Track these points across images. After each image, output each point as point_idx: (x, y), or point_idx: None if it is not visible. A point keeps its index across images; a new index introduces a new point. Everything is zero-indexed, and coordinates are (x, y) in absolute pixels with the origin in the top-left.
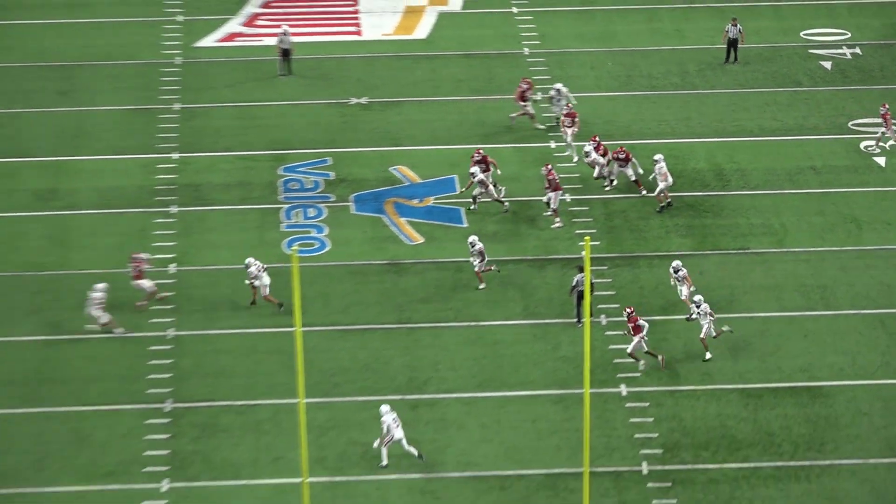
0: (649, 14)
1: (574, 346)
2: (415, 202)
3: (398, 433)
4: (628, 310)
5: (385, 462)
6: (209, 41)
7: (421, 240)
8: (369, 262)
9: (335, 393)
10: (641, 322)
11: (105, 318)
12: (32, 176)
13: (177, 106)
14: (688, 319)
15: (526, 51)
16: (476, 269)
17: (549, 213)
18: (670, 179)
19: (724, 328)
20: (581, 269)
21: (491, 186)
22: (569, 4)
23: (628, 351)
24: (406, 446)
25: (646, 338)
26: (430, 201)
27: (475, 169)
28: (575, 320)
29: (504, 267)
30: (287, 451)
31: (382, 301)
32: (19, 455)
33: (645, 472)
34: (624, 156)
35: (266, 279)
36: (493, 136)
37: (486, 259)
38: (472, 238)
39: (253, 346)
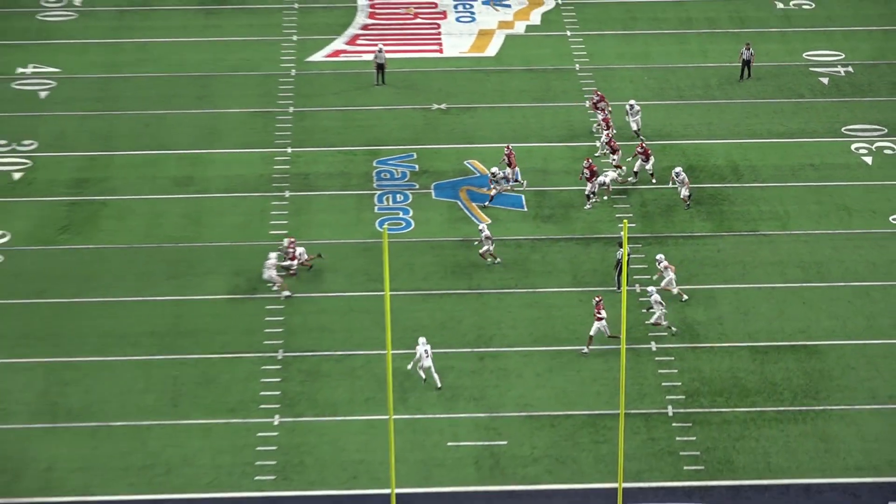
0: (679, 37)
1: (613, 309)
2: (484, 190)
3: (427, 362)
4: (596, 298)
5: (439, 384)
6: (318, 56)
7: (488, 221)
8: (446, 238)
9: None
10: (603, 313)
11: (278, 282)
12: (172, 165)
13: (291, 109)
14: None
15: (577, 66)
16: (481, 251)
17: (594, 200)
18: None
19: (673, 329)
20: (621, 245)
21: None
22: (613, 29)
23: (591, 333)
24: (434, 374)
25: (605, 325)
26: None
27: (495, 169)
28: (615, 287)
29: (555, 244)
30: (376, 393)
31: (456, 271)
32: (158, 393)
33: (670, 414)
34: (643, 151)
35: (300, 249)
36: (549, 136)
37: (493, 244)
38: (482, 225)
39: (350, 306)
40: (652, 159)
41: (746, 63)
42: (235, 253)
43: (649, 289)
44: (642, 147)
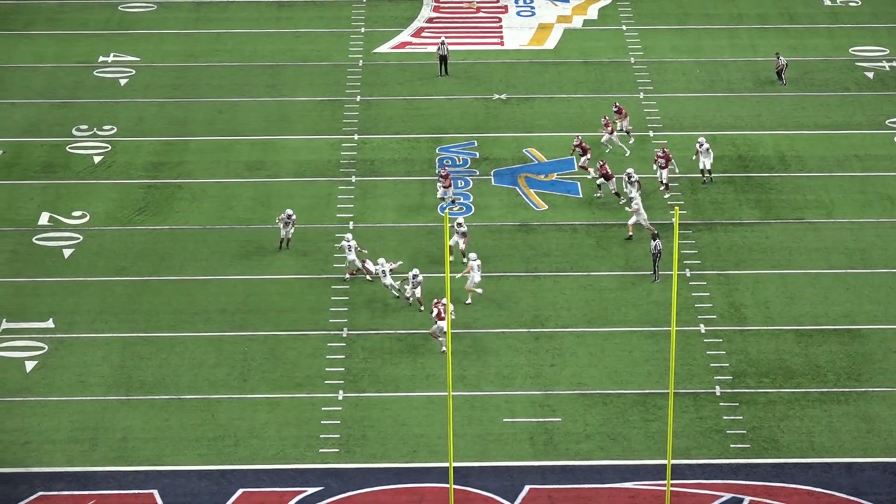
0: (730, 32)
1: (664, 292)
2: (542, 177)
3: (387, 280)
4: (435, 300)
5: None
6: (385, 48)
7: (545, 207)
8: (504, 223)
9: (475, 325)
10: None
11: (355, 264)
12: (244, 151)
13: (358, 98)
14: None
15: (632, 59)
16: (461, 247)
17: (613, 192)
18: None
19: (478, 291)
20: (655, 237)
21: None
22: (667, 23)
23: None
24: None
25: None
26: (554, 176)
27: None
28: (653, 278)
29: (609, 230)
30: (436, 370)
31: (514, 254)
32: (228, 368)
33: (718, 393)
34: (663, 156)
35: (291, 229)
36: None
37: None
38: (461, 219)
39: None
40: (672, 166)
41: (780, 72)
42: (303, 235)
43: (471, 254)
44: (663, 152)
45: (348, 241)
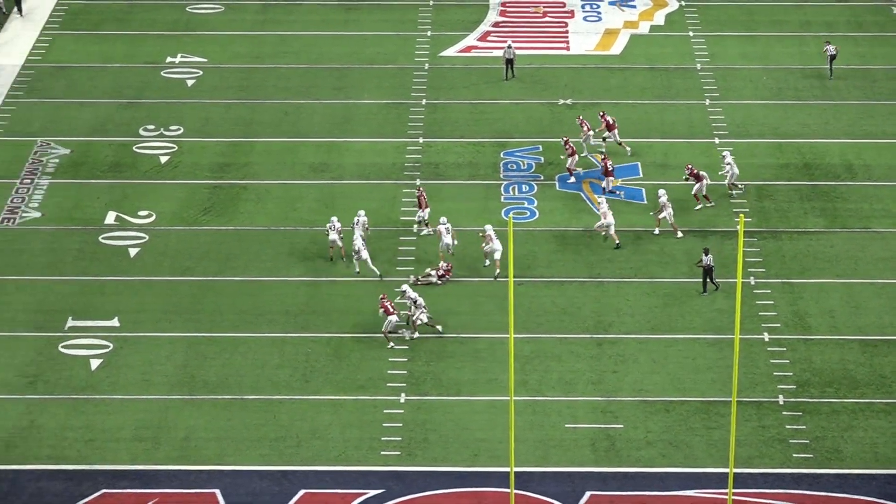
0: (799, 39)
1: (727, 300)
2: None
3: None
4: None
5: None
6: (451, 51)
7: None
8: (568, 228)
9: (538, 330)
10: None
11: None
12: (310, 152)
13: (423, 101)
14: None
15: (698, 66)
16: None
17: (609, 190)
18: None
19: (438, 327)
20: (706, 252)
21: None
22: (734, 30)
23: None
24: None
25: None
26: (618, 182)
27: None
28: (702, 290)
29: (672, 236)
30: (498, 375)
31: (578, 259)
32: (291, 369)
33: (781, 402)
34: (695, 173)
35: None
36: (669, 132)
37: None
38: (443, 218)
39: (475, 290)
40: (705, 181)
41: (831, 60)
42: (367, 237)
43: (403, 287)
44: (689, 169)
45: (333, 224)
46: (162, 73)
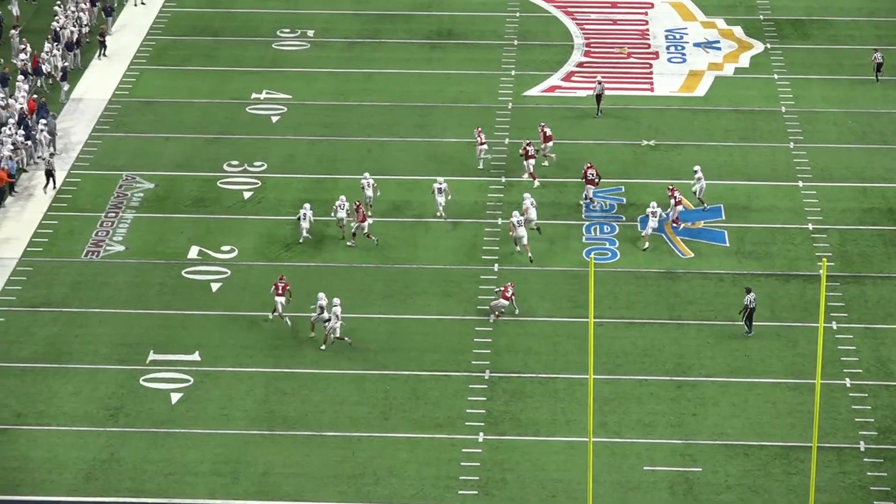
0: (884, 84)
1: (809, 344)
2: (688, 224)
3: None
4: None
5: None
6: (535, 91)
7: (691, 254)
8: (650, 269)
9: (618, 371)
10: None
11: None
12: (392, 190)
13: (507, 141)
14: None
15: (783, 109)
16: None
17: (586, 198)
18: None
19: (347, 339)
20: (749, 290)
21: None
22: (819, 73)
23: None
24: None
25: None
26: (701, 224)
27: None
28: (747, 331)
29: (755, 279)
30: (577, 416)
31: (658, 301)
32: (370, 406)
33: (862, 449)
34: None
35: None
36: (753, 174)
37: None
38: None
39: (554, 331)
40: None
41: (878, 68)
42: (448, 276)
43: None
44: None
45: (305, 210)
46: (247, 108)
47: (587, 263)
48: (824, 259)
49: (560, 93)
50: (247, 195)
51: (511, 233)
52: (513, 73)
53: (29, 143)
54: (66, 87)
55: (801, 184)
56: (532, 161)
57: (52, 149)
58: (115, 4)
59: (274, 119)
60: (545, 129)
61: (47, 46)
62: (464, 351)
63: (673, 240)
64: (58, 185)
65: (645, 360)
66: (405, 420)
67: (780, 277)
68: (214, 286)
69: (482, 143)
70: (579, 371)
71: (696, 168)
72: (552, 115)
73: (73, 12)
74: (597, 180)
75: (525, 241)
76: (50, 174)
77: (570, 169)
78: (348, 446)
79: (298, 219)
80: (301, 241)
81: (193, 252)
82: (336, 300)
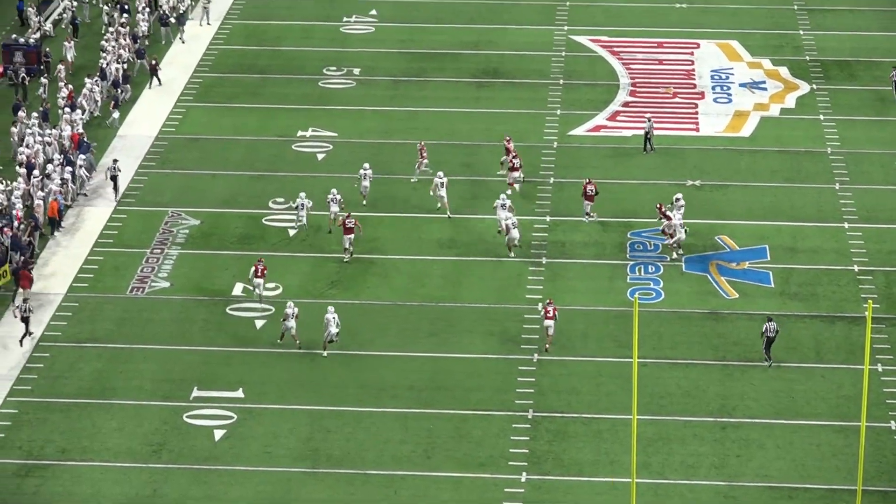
0: None
1: (854, 386)
2: (733, 265)
3: (333, 329)
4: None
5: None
6: (580, 130)
7: (736, 295)
8: (694, 310)
9: (661, 412)
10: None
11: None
12: (437, 228)
13: (551, 180)
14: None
15: (828, 150)
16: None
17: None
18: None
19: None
20: (770, 319)
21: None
22: (865, 114)
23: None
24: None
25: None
26: (746, 265)
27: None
28: (766, 362)
29: (800, 321)
30: (620, 456)
31: (703, 342)
32: (413, 445)
33: None
34: (664, 213)
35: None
36: (798, 215)
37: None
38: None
39: (598, 371)
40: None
41: None
42: (492, 314)
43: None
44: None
45: (334, 196)
46: (293, 146)
47: (631, 303)
48: (870, 301)
49: (605, 132)
50: (292, 232)
51: (503, 235)
52: (558, 112)
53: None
54: (116, 114)
55: (846, 225)
56: (516, 174)
57: (87, 183)
58: (147, 43)
59: (319, 157)
60: (510, 144)
61: (88, 83)
62: (507, 390)
63: (718, 280)
64: (104, 221)
65: (689, 401)
66: (448, 459)
67: (826, 319)
68: (258, 323)
69: (423, 159)
70: (623, 411)
71: (678, 196)
72: (597, 155)
73: (113, 48)
74: (595, 194)
75: (517, 241)
76: (115, 179)
77: (614, 208)
78: (391, 485)
79: (296, 208)
80: (297, 228)
81: (238, 289)
82: (330, 308)
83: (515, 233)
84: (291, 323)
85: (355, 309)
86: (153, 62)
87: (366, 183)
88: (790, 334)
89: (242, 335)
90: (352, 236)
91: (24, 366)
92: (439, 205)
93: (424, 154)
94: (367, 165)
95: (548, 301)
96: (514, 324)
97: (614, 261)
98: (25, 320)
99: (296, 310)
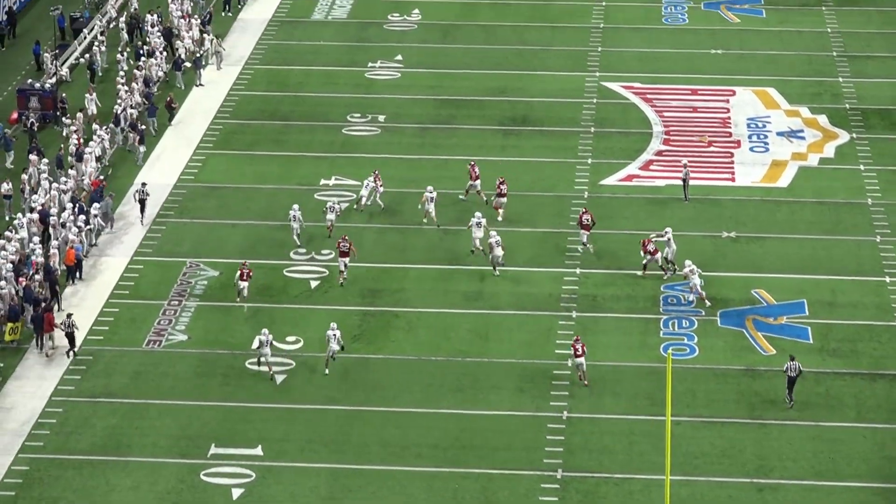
0: None
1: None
2: (770, 320)
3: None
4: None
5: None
6: (611, 180)
7: (773, 351)
8: (730, 366)
9: (696, 472)
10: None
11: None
12: (463, 280)
13: (584, 234)
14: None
15: (869, 201)
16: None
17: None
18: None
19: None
20: (793, 358)
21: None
22: None
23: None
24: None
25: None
26: (783, 320)
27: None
28: (788, 403)
29: (840, 378)
30: None
31: (739, 399)
32: None
33: None
34: (648, 250)
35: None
36: (838, 269)
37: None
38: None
39: (630, 429)
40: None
41: None
42: (520, 370)
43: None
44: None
45: (332, 205)
46: (315, 195)
47: (665, 359)
48: None
49: (638, 182)
50: (314, 284)
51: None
52: (589, 161)
53: (88, 226)
54: (142, 149)
55: (888, 279)
56: (503, 199)
57: (109, 227)
58: (157, 90)
59: (344, 205)
60: (475, 169)
61: (99, 131)
62: (536, 448)
63: (754, 336)
64: (121, 271)
65: (724, 462)
66: None
67: (866, 376)
68: (279, 378)
69: (375, 183)
70: (656, 472)
71: (666, 230)
72: (630, 205)
73: (127, 93)
74: (591, 224)
75: (501, 261)
76: (143, 203)
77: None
78: None
79: (289, 220)
80: (298, 242)
81: (257, 343)
82: (333, 324)
83: (499, 251)
84: (267, 350)
85: (378, 363)
86: (169, 99)
87: (364, 192)
88: (829, 392)
89: (262, 391)
90: (347, 259)
91: (37, 421)
92: (425, 219)
93: (376, 181)
94: (376, 172)
95: (575, 338)
96: (543, 380)
97: (647, 315)
98: (70, 336)
99: (270, 337)
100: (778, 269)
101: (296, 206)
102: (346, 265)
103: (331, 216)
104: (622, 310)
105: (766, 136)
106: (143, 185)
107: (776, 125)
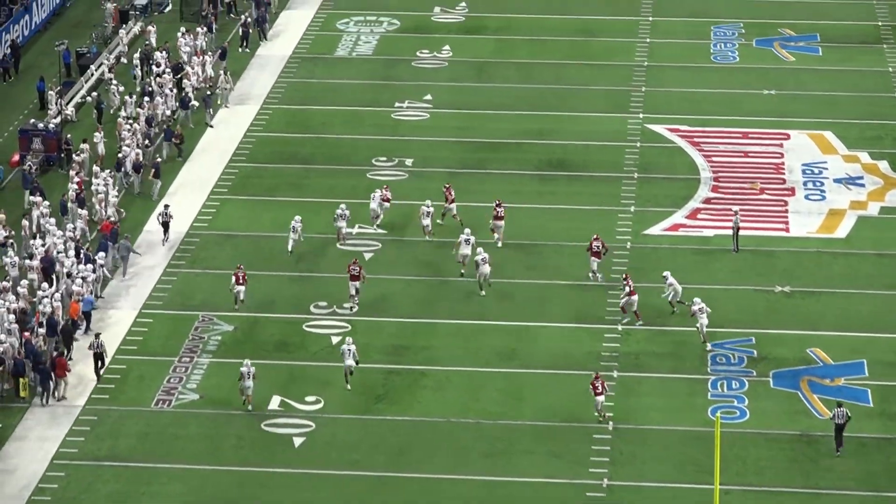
0: None
1: None
2: (827, 381)
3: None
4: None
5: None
6: (656, 230)
7: (830, 415)
8: (783, 431)
9: None
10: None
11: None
12: (496, 337)
13: (626, 288)
14: None
15: None
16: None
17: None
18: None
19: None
20: (840, 404)
21: None
22: None
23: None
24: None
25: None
26: (841, 381)
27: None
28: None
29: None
30: None
31: (792, 467)
32: None
33: None
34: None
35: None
36: None
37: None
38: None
39: (675, 497)
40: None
41: None
42: (556, 433)
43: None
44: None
45: (342, 212)
46: (338, 244)
47: (713, 423)
48: None
49: (684, 231)
50: (335, 340)
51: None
52: (632, 209)
53: (94, 275)
54: (158, 183)
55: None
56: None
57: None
58: (155, 130)
59: (367, 255)
60: (451, 191)
61: (99, 173)
62: None
63: (809, 398)
64: (128, 325)
65: None
66: None
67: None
68: (297, 441)
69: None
70: None
71: (666, 274)
72: (675, 257)
73: (130, 133)
74: (602, 252)
75: (488, 277)
76: (166, 226)
77: (696, 320)
78: None
79: (290, 230)
80: (290, 252)
81: (275, 402)
82: (349, 339)
83: (486, 268)
84: (249, 383)
85: (404, 426)
86: (177, 133)
87: (373, 205)
88: (890, 460)
89: (279, 454)
90: (358, 283)
91: (37, 486)
92: (426, 234)
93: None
94: (385, 187)
95: (595, 376)
96: (580, 444)
97: (694, 375)
98: (98, 356)
99: (252, 369)
100: (835, 327)
101: (297, 218)
102: (357, 289)
103: (341, 223)
104: (667, 369)
105: (822, 184)
106: (166, 206)
107: (833, 171)
